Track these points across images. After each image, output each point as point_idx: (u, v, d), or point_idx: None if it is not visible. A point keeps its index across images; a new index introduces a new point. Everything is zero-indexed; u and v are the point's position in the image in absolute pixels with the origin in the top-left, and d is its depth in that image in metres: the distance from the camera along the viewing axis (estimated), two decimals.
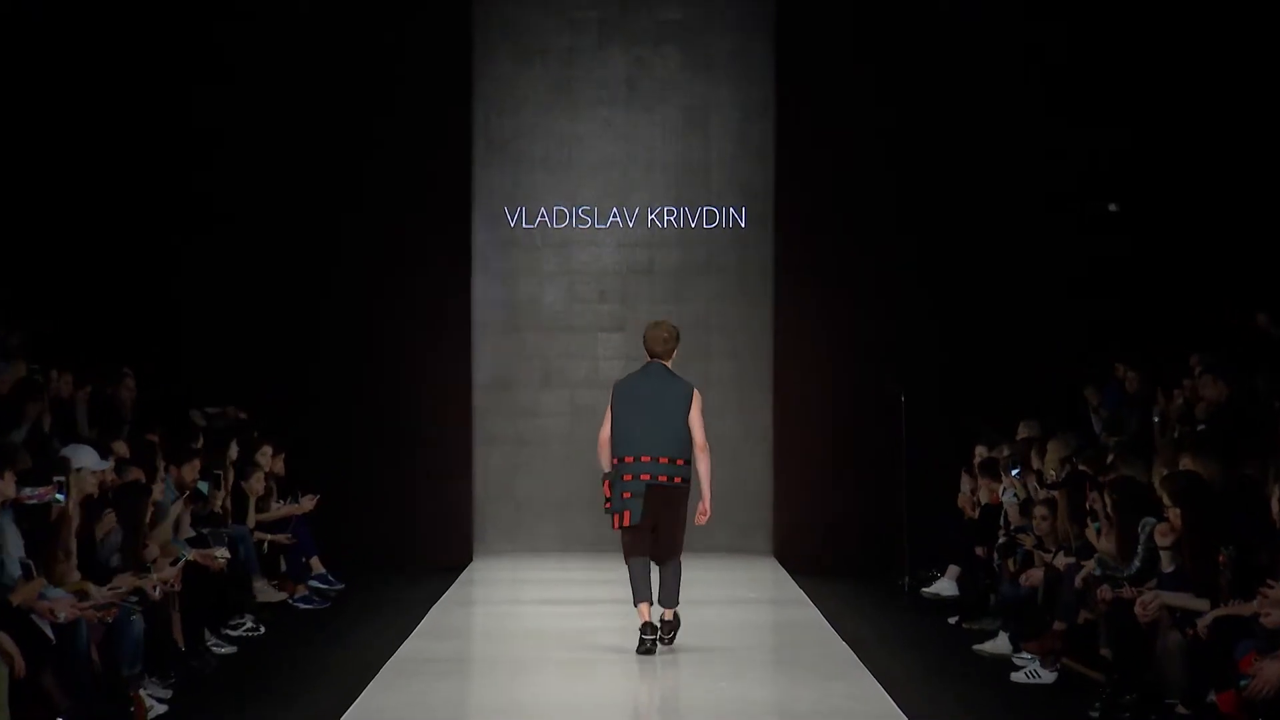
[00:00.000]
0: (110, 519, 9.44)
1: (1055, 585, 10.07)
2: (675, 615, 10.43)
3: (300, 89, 15.48)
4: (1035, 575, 10.50)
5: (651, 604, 10.26)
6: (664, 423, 10.20)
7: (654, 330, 10.47)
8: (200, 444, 11.77)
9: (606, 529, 10.74)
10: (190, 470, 11.18)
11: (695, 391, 10.35)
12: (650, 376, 10.39)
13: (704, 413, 10.37)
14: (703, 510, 10.43)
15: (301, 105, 15.48)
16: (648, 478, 10.17)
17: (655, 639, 10.21)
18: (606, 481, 10.29)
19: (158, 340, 14.90)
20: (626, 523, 10.18)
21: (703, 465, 10.31)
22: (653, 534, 10.27)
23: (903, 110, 15.49)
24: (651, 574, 10.33)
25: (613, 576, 12.29)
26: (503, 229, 16.25)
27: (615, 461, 10.24)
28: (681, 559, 10.43)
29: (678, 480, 10.26)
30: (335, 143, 15.47)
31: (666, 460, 10.20)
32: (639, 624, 10.28)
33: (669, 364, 10.45)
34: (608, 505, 10.28)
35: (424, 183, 15.55)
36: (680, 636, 10.52)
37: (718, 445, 15.67)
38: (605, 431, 10.32)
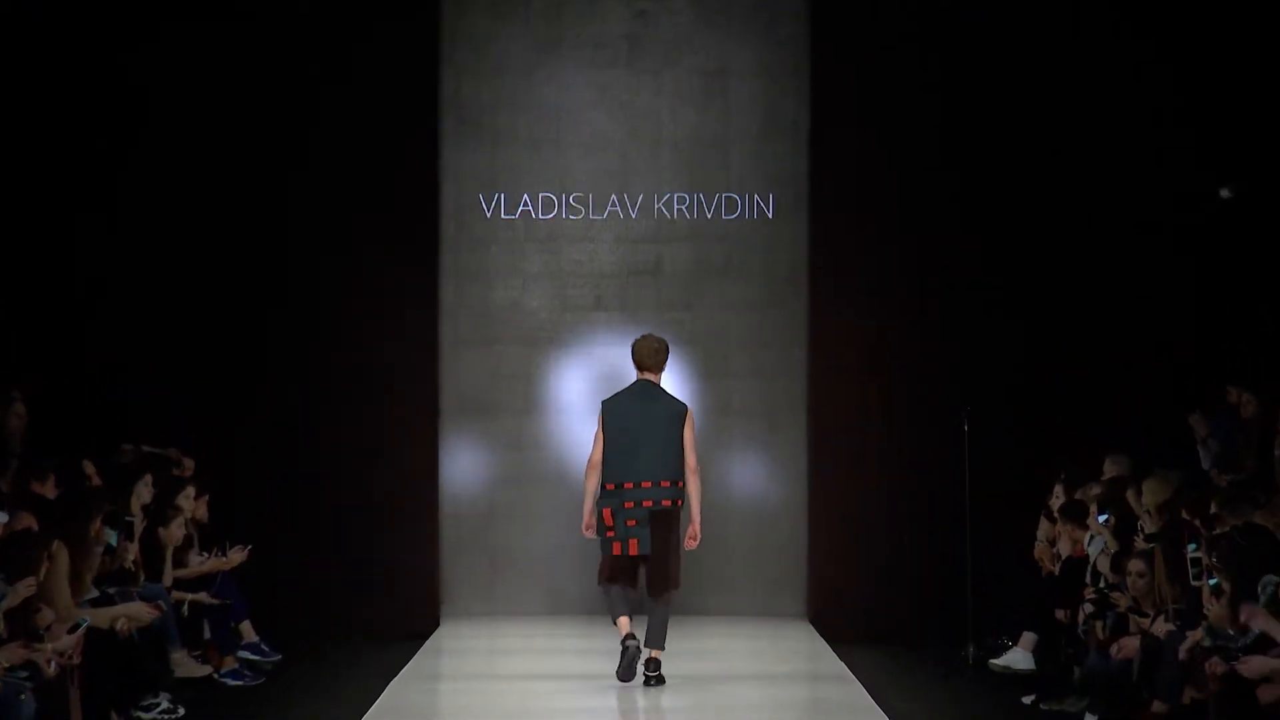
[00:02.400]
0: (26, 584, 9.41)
1: (1154, 657, 10.03)
2: (659, 660, 11.84)
3: (234, 54, 15.44)
4: (1129, 644, 10.46)
5: (631, 619, 11.83)
6: (660, 445, 11.90)
7: (644, 342, 12.17)
8: (99, 484, 11.74)
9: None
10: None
11: (689, 410, 12.06)
12: (642, 396, 12.08)
13: (697, 433, 12.10)
14: (693, 534, 12.06)
15: (235, 73, 15.43)
16: (650, 504, 11.85)
17: (638, 645, 11.76)
18: (608, 510, 11.83)
19: (56, 356, 14.84)
20: (634, 552, 11.81)
21: (694, 487, 12.00)
22: (643, 562, 11.90)
23: (966, 77, 15.44)
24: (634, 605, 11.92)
25: (610, 645, 12.28)
26: (477, 221, 16.22)
27: (610, 487, 11.88)
28: (672, 600, 11.95)
29: (679, 503, 11.95)
30: (275, 118, 15.44)
31: (669, 484, 11.90)
32: (620, 637, 11.79)
33: (658, 379, 12.13)
34: (610, 534, 11.84)
35: (381, 165, 15.51)
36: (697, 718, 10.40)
37: (739, 485, 15.94)
38: (596, 454, 12.00)
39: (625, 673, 11.82)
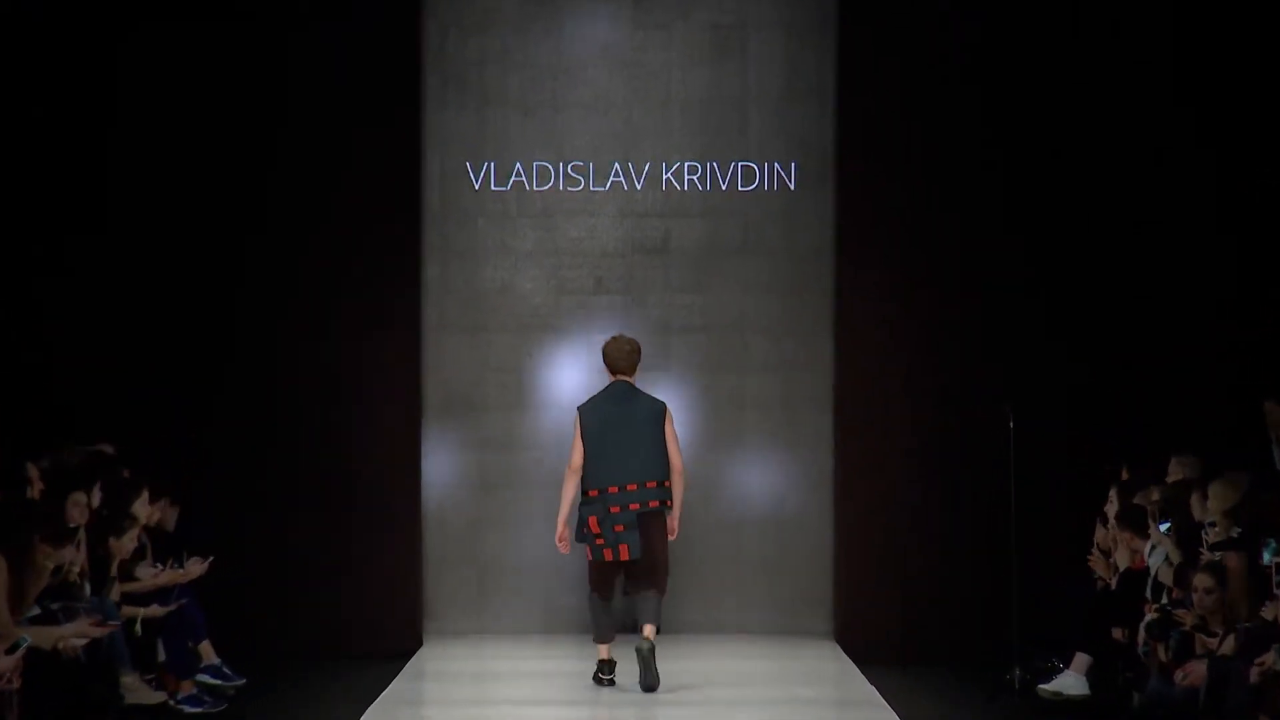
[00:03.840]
0: None
1: (1222, 681, 9.99)
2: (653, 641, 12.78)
3: (193, 10, 15.43)
4: (1195, 668, 10.44)
5: (612, 644, 12.94)
6: (642, 446, 12.92)
7: (615, 344, 13.20)
8: (40, 491, 11.73)
9: None
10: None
11: (668, 408, 13.10)
12: (619, 398, 13.10)
13: (680, 430, 13.19)
14: (670, 529, 13.05)
15: (195, 28, 15.42)
16: (637, 506, 12.86)
17: (612, 678, 12.89)
18: (594, 518, 12.78)
19: None
20: (625, 557, 12.80)
21: (678, 486, 13.03)
22: (630, 564, 12.87)
23: (1009, 33, 15.42)
24: (620, 610, 13.02)
25: None
26: (464, 193, 16.22)
27: (594, 493, 12.85)
28: (667, 582, 13.10)
29: (667, 503, 12.97)
30: (239, 82, 15.43)
31: (654, 485, 12.91)
32: (597, 660, 12.91)
33: (633, 380, 13.14)
34: (599, 541, 12.81)
35: (357, 130, 15.52)
36: None
37: (757, 489, 15.93)
38: (576, 459, 12.99)
39: (598, 682, 12.94)
